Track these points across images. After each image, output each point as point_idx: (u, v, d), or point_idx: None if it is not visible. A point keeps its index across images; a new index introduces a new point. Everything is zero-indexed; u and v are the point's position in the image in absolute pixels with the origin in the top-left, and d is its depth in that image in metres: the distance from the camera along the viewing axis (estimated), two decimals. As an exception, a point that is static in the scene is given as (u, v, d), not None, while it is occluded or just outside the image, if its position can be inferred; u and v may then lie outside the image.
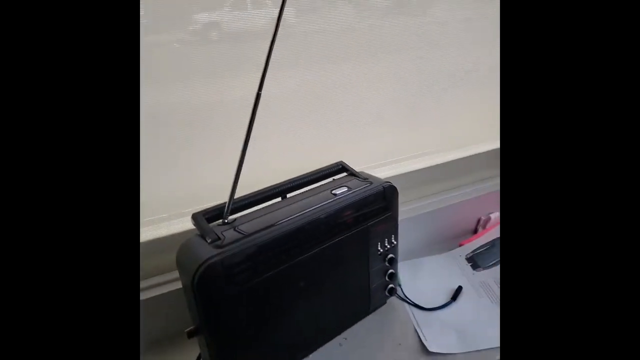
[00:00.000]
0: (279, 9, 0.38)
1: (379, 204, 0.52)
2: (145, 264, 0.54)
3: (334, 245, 0.48)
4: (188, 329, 0.44)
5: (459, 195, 0.73)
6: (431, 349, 0.52)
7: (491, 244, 0.69)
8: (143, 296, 0.52)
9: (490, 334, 0.54)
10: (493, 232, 0.71)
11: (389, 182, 0.53)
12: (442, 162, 0.73)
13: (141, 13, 0.47)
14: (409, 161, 0.72)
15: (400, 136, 0.70)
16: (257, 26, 0.54)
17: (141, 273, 0.54)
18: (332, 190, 0.50)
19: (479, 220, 0.76)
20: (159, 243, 0.54)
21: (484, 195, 0.74)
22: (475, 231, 0.76)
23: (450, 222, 0.73)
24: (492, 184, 0.76)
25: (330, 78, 0.60)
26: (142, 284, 0.54)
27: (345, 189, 0.50)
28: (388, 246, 0.55)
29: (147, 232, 0.54)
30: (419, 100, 0.68)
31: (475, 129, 0.76)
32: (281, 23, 0.38)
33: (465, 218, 0.75)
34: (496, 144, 0.77)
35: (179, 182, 0.55)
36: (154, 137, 0.51)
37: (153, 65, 0.48)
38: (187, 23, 0.51)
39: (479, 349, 0.52)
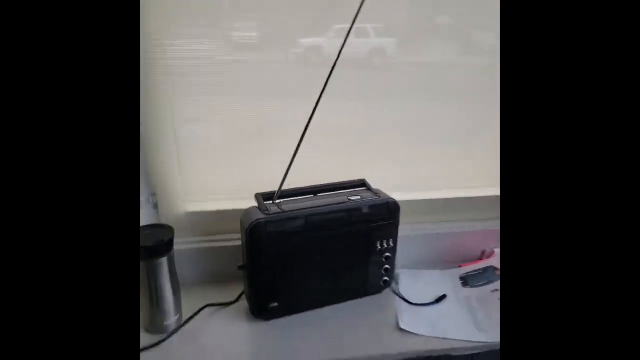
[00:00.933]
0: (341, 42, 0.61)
1: (382, 213, 0.71)
2: (211, 225, 0.80)
3: (343, 234, 0.69)
4: (239, 264, 0.68)
5: (466, 225, 0.88)
6: (401, 325, 0.68)
7: (483, 269, 0.82)
8: (210, 245, 0.78)
9: (458, 330, 0.68)
10: (490, 262, 0.84)
11: (393, 199, 0.72)
12: (458, 196, 0.89)
13: (252, 34, 0.72)
14: (431, 191, 0.89)
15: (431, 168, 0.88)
16: (359, 53, 0.74)
17: (207, 231, 0.80)
18: (348, 196, 0.72)
19: (483, 252, 0.89)
20: (222, 213, 0.80)
21: (490, 230, 0.87)
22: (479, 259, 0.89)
23: (456, 246, 0.88)
24: (495, 223, 0.89)
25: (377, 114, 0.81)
26: (209, 238, 0.80)
27: (358, 197, 0.72)
28: (386, 246, 0.74)
29: (213, 205, 0.80)
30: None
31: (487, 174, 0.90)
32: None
33: (471, 247, 0.89)
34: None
35: (237, 176, 0.80)
36: (230, 140, 0.77)
37: (257, 82, 0.73)
38: (292, 45, 0.72)
39: (443, 337, 0.67)
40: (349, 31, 0.60)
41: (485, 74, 0.82)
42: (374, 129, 0.82)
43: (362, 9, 0.60)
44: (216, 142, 0.77)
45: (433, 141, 0.86)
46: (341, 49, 0.61)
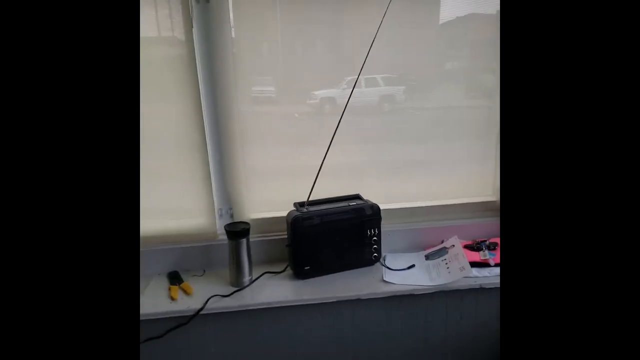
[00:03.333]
0: (350, 89, 1.14)
1: (369, 212, 1.19)
2: (266, 227, 1.28)
3: (346, 226, 1.16)
4: (286, 244, 1.16)
5: (430, 224, 1.34)
6: (385, 279, 1.13)
7: (439, 250, 1.27)
8: (266, 239, 1.26)
9: (418, 280, 1.12)
10: (443, 245, 1.28)
11: (376, 204, 1.20)
12: (424, 205, 1.36)
13: (270, 88, 1.27)
14: (407, 202, 1.36)
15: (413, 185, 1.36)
16: (370, 102, 1.27)
17: (264, 230, 1.29)
18: (349, 203, 1.20)
19: (442, 241, 1.33)
20: (272, 219, 1.28)
21: (445, 227, 1.32)
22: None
23: (424, 238, 1.33)
24: (453, 222, 1.34)
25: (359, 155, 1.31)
26: (265, 234, 1.28)
27: (355, 203, 1.20)
28: (373, 233, 1.20)
29: (267, 214, 1.29)
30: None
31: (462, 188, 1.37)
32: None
33: (433, 238, 1.33)
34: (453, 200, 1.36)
35: (267, 198, 1.30)
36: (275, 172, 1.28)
37: (277, 131, 1.26)
38: (308, 97, 1.25)
39: (410, 284, 1.11)
40: (353, 86, 1.12)
41: (483, 115, 1.32)
42: (372, 163, 1.33)
43: (373, 61, 1.11)
44: (267, 173, 1.28)
45: (416, 169, 1.35)
46: (347, 101, 1.13)
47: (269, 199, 1.29)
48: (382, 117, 1.32)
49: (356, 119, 1.25)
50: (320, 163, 1.15)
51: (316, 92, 1.26)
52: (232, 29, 1.15)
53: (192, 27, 1.12)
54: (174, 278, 1.19)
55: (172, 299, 1.09)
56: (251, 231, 1.18)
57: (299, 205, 1.19)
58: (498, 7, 1.23)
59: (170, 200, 1.24)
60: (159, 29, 1.13)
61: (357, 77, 1.12)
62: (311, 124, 1.28)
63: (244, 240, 1.13)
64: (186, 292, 1.13)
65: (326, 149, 1.14)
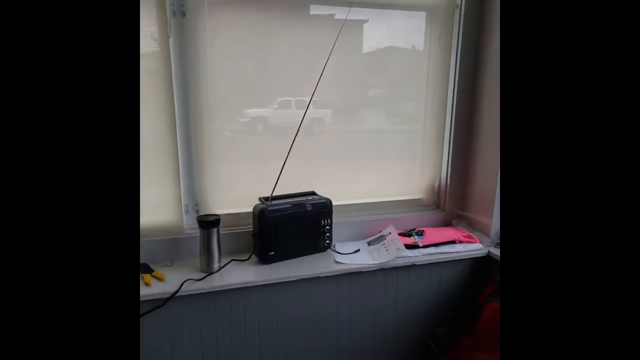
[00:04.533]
0: (303, 111, 1.34)
1: (323, 205, 1.41)
2: (231, 221, 1.43)
3: (304, 217, 1.37)
4: (252, 233, 1.32)
5: (371, 217, 1.60)
6: (336, 260, 1.35)
7: (379, 237, 1.53)
8: (232, 231, 1.41)
9: (363, 260, 1.36)
10: (381, 233, 1.55)
11: (329, 198, 1.42)
12: (367, 202, 1.62)
13: (203, 105, 1.45)
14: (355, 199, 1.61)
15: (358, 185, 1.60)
16: (297, 123, 1.48)
17: (229, 224, 1.43)
18: (306, 198, 1.41)
19: (380, 231, 1.60)
20: (236, 215, 1.44)
21: (384, 219, 1.60)
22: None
23: (367, 228, 1.58)
24: (389, 215, 1.62)
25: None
26: (231, 228, 1.42)
27: (311, 198, 1.41)
28: (326, 223, 1.42)
29: (224, 211, 1.44)
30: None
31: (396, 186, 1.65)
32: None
33: (374, 228, 1.59)
34: (395, 197, 1.65)
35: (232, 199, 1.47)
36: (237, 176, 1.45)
37: (208, 147, 1.44)
38: (239, 116, 1.44)
39: (356, 263, 1.35)
40: (307, 108, 1.34)
41: (408, 137, 1.60)
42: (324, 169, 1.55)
43: (303, 86, 1.33)
44: (230, 175, 1.44)
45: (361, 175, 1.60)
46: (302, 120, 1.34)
47: (232, 197, 1.45)
48: (314, 136, 1.53)
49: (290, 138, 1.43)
50: (281, 167, 1.34)
51: (248, 111, 1.44)
52: (207, 42, 1.30)
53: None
54: (144, 269, 1.27)
55: (147, 284, 1.18)
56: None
57: (264, 199, 1.36)
58: (414, 43, 1.56)
59: (142, 197, 1.32)
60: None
61: (310, 98, 1.35)
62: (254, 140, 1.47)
63: (215, 230, 1.27)
64: (159, 279, 1.22)
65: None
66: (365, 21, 1.48)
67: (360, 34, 1.49)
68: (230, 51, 1.36)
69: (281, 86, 1.45)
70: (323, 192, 1.48)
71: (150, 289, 1.17)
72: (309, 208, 1.38)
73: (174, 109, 1.30)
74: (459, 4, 1.51)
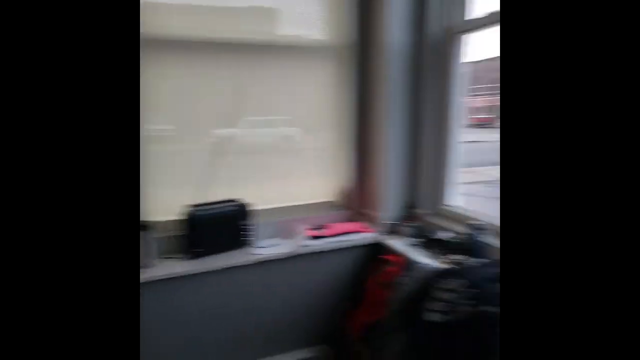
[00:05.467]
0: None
1: (242, 208, 1.73)
2: (163, 227, 1.71)
3: (228, 219, 1.68)
4: (183, 233, 1.61)
5: (291, 218, 1.94)
6: (254, 252, 1.68)
7: (292, 233, 1.88)
8: (163, 235, 1.69)
9: (278, 251, 1.69)
10: (296, 230, 1.89)
11: (247, 202, 1.75)
12: (287, 205, 1.96)
13: (170, 127, 1.75)
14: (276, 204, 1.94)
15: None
16: (265, 142, 1.79)
17: (162, 229, 1.71)
18: (228, 203, 1.73)
19: (294, 229, 1.94)
20: (163, 222, 1.72)
21: (301, 219, 1.94)
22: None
23: (285, 227, 1.92)
24: (306, 215, 1.97)
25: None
26: (163, 233, 1.70)
27: (232, 203, 1.73)
28: (247, 225, 1.74)
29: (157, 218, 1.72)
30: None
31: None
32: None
33: (294, 228, 1.94)
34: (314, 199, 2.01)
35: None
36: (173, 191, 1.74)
37: (172, 168, 1.74)
38: (207, 136, 1.76)
39: (273, 253, 1.68)
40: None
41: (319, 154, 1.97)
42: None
43: (273, 103, 1.67)
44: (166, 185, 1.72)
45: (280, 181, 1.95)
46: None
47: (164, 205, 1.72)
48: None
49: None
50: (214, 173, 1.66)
51: (215, 131, 1.76)
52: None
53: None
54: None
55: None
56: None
57: (193, 205, 1.66)
58: (321, 79, 1.97)
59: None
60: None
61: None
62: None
63: (149, 232, 1.54)
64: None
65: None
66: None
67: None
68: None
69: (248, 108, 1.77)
70: (249, 198, 1.80)
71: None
72: (231, 210, 1.70)
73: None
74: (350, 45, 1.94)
